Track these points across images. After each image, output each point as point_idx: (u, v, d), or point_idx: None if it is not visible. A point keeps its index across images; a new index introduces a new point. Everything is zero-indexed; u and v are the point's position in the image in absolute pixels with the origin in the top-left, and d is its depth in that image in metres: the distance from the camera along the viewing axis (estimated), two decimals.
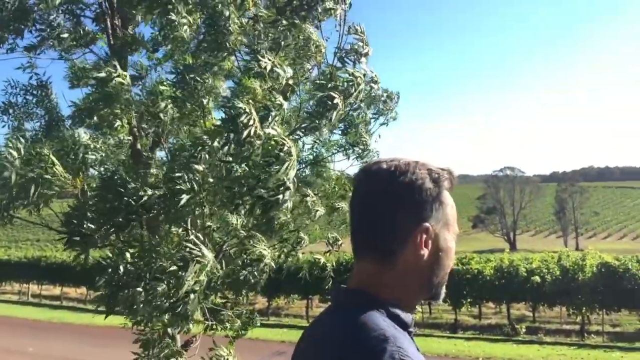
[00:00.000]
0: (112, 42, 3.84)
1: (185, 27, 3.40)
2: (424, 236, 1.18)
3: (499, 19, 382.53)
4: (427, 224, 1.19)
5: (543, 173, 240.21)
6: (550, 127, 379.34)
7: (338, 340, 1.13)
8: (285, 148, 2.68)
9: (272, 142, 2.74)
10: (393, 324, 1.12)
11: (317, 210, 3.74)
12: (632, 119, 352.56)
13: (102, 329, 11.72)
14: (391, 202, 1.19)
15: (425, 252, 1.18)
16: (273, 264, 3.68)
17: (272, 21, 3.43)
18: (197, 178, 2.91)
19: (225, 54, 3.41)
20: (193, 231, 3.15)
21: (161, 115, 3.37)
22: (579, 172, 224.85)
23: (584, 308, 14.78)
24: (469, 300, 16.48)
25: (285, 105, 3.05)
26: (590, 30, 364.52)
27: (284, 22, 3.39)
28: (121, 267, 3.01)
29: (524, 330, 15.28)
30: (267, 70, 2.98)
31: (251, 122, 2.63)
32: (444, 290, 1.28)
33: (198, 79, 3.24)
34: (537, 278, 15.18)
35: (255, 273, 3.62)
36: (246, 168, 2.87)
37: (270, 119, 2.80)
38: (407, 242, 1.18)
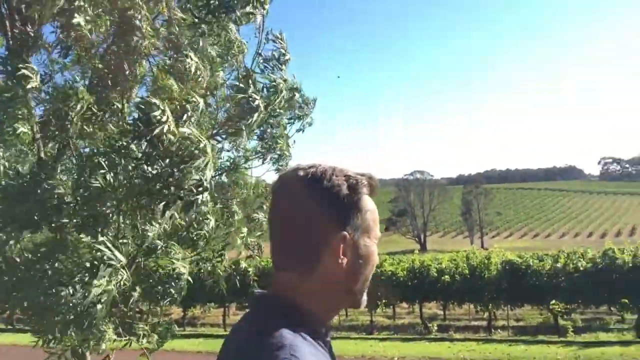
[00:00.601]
0: (10, 42, 3.59)
1: (90, 27, 3.22)
2: (342, 245, 1.17)
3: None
4: (344, 233, 1.17)
5: (450, 176, 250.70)
6: (456, 132, 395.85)
7: (240, 347, 1.13)
8: (201, 146, 2.61)
9: (187, 141, 2.66)
10: (302, 334, 1.11)
11: (236, 220, 3.68)
12: (530, 124, 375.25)
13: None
14: (308, 210, 1.17)
15: (344, 260, 1.17)
16: (190, 279, 3.58)
17: (189, 24, 3.35)
18: (110, 182, 2.78)
19: (137, 57, 3.29)
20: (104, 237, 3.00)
21: (71, 115, 3.17)
22: (483, 174, 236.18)
23: (491, 304, 15.47)
24: (383, 301, 16.83)
25: (202, 104, 2.98)
26: (485, 39, 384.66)
27: (203, 25, 3.31)
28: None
29: (435, 328, 15.76)
30: (192, 72, 2.91)
31: (164, 119, 2.55)
32: (365, 297, 1.27)
33: (109, 83, 3.11)
34: (447, 277, 15.73)
35: (172, 290, 3.51)
36: (159, 168, 2.76)
37: (185, 117, 2.73)
38: (325, 252, 1.17)
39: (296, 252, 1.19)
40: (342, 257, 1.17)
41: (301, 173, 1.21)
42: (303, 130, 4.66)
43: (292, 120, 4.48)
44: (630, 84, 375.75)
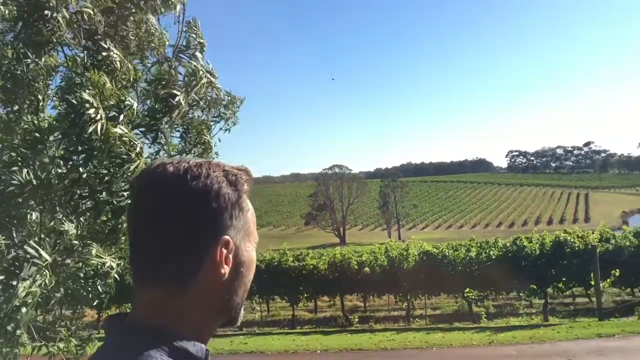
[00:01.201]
0: None
1: None
2: (224, 251, 0.98)
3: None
4: (227, 237, 0.99)
5: (368, 170, 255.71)
6: (374, 126, 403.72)
7: None
8: (138, 149, 2.48)
9: (118, 142, 2.50)
10: None
11: None
12: (443, 119, 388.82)
13: None
14: (182, 211, 0.97)
15: (226, 270, 0.99)
16: (117, 277, 3.38)
17: (105, 10, 3.15)
18: (28, 178, 2.57)
19: (50, 48, 3.08)
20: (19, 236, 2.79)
21: None
22: (400, 168, 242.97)
23: (409, 295, 15.89)
24: (305, 295, 16.89)
25: (136, 105, 2.83)
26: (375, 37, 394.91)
27: (123, 11, 3.13)
28: None
29: (356, 320, 16.01)
30: (118, 65, 2.74)
31: (98, 117, 2.39)
32: (242, 312, 1.08)
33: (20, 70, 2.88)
34: (367, 270, 16.00)
35: (100, 288, 3.30)
36: (88, 169, 2.58)
37: (121, 117, 2.57)
38: (204, 262, 0.97)
39: (166, 262, 0.97)
40: (224, 265, 0.98)
41: (171, 168, 1.00)
42: (229, 130, 4.56)
43: (217, 119, 4.37)
44: (534, 82, 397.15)
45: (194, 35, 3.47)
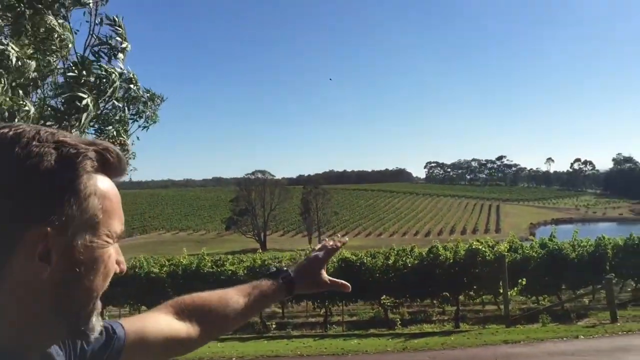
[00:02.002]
0: None
1: None
2: (40, 245, 0.74)
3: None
4: (46, 228, 0.74)
5: (291, 176, 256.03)
6: (295, 134, 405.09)
7: None
8: None
9: None
10: None
11: None
12: (364, 129, 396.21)
13: None
14: None
15: (45, 267, 0.75)
16: None
17: (5, 7, 2.93)
18: None
19: None
20: None
21: None
22: (322, 175, 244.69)
23: (327, 301, 15.97)
24: None
25: (33, 110, 2.64)
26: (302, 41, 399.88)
27: (23, 9, 2.92)
28: None
29: (274, 326, 15.92)
30: (13, 62, 2.53)
31: None
32: (98, 321, 0.85)
33: None
34: None
35: None
36: None
37: (16, 119, 2.39)
38: (11, 253, 0.74)
39: None
40: (41, 262, 0.75)
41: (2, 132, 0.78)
42: (147, 128, 4.39)
43: (135, 116, 4.18)
44: (453, 96, 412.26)
45: (118, 38, 3.29)
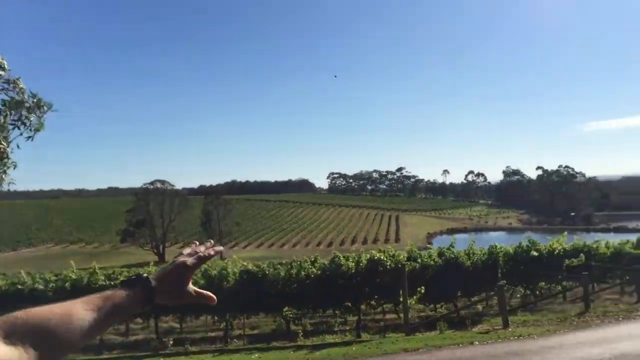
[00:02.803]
0: None
1: None
2: None
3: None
4: None
5: (192, 186, 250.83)
6: (196, 144, 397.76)
7: None
8: None
9: None
10: None
11: None
12: (268, 139, 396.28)
13: None
14: None
15: None
16: None
17: None
18: None
19: None
20: None
21: None
22: (224, 185, 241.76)
23: (228, 314, 15.52)
24: None
25: None
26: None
27: None
28: None
29: (171, 342, 15.24)
30: None
31: None
32: None
33: None
34: None
35: None
36: None
37: None
38: None
39: None
40: None
41: None
42: (32, 138, 3.92)
43: (17, 122, 3.73)
44: (348, 109, 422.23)
45: None
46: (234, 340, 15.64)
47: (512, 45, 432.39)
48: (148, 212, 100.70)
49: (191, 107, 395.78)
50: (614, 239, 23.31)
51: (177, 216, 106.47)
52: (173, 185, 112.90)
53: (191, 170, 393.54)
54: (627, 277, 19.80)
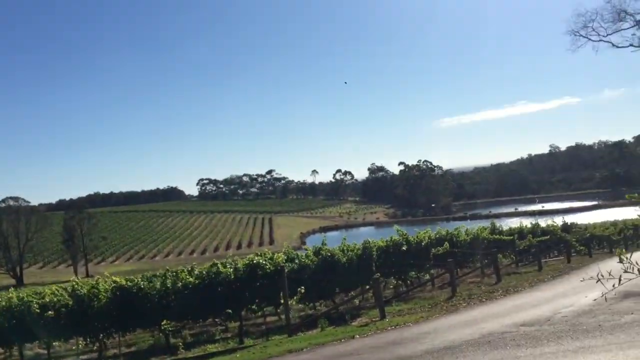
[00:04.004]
0: None
1: None
2: None
3: None
4: None
5: (50, 202, 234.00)
6: (52, 156, 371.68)
7: None
8: None
9: None
10: None
11: None
12: (131, 148, 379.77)
13: None
14: None
15: None
16: None
17: None
18: None
19: None
20: None
21: None
22: (86, 198, 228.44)
23: (101, 334, 14.67)
24: None
25: None
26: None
27: None
28: None
29: None
30: None
31: None
32: None
33: None
34: (51, 313, 14.27)
35: None
36: None
37: None
38: None
39: None
40: None
41: None
42: None
43: None
44: (218, 113, 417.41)
45: None
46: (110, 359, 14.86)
47: (372, 47, 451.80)
48: (1, 232, 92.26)
49: (41, 115, 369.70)
50: (472, 226, 25.19)
51: (34, 235, 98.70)
52: (28, 202, 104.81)
53: (48, 184, 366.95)
54: (486, 261, 21.52)
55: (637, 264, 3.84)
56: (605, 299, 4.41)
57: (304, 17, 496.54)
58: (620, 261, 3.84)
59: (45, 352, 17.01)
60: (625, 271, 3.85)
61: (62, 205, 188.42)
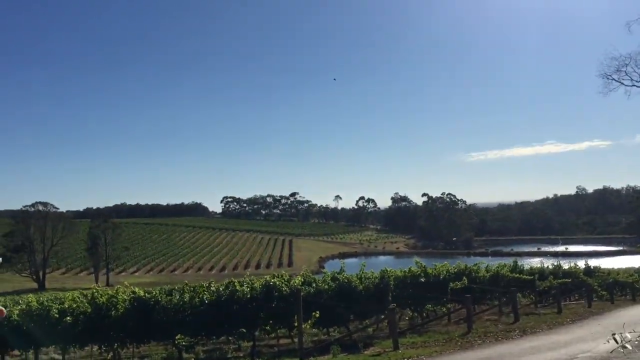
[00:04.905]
0: None
1: None
2: None
3: None
4: None
5: (77, 209, 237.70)
6: (84, 164, 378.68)
7: None
8: None
9: None
10: None
11: None
12: (160, 162, 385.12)
13: None
14: None
15: None
16: None
17: None
18: None
19: None
20: None
21: None
22: (112, 208, 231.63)
23: (117, 344, 14.85)
24: None
25: None
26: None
27: None
28: None
29: None
30: None
31: None
32: None
33: None
34: (69, 319, 14.52)
35: None
36: None
37: None
38: None
39: None
40: None
41: None
42: None
43: None
44: (244, 134, 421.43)
45: None
46: None
47: (405, 74, 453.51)
48: (28, 236, 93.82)
49: (73, 128, 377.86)
50: (492, 263, 24.92)
51: (60, 241, 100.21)
52: (57, 208, 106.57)
53: (77, 192, 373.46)
54: (505, 299, 21.24)
55: None
56: (624, 346, 4.39)
57: (336, 42, 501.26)
58: None
59: (61, 357, 17.24)
60: None
61: (88, 213, 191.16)
